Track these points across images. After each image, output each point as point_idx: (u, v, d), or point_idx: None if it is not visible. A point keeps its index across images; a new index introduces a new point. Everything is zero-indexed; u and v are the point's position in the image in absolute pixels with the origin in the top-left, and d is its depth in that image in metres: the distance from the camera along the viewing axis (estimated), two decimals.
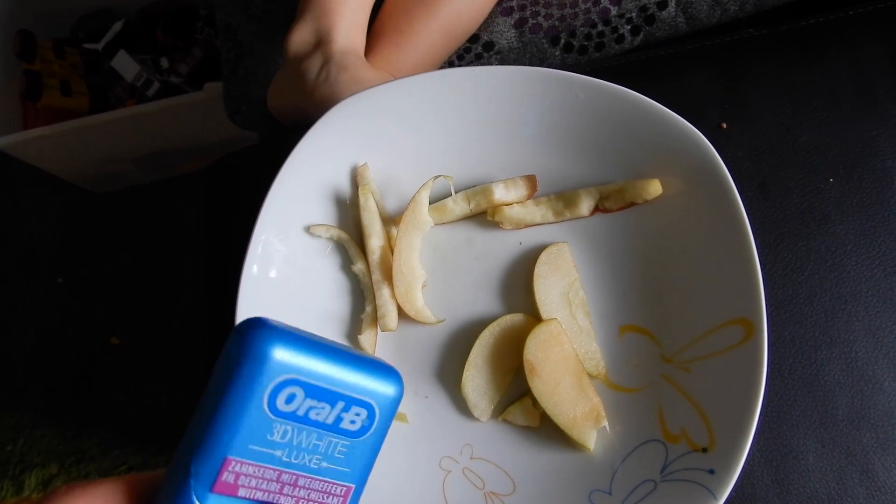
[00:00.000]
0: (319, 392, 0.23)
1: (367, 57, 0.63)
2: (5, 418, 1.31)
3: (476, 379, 0.49)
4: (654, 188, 0.49)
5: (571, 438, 0.46)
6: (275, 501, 0.23)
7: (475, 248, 0.52)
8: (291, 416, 0.23)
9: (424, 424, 0.49)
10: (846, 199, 0.56)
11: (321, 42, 0.60)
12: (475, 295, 0.51)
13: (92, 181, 1.35)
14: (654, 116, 0.48)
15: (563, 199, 0.51)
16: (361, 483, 0.25)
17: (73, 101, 1.22)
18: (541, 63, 0.70)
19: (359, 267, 0.51)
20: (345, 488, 0.24)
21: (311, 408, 0.23)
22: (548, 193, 0.51)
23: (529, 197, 0.51)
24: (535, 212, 0.51)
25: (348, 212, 0.52)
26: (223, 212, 0.67)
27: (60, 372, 1.33)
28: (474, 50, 0.70)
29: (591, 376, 0.48)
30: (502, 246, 0.52)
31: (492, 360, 0.49)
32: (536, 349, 0.47)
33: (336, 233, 0.51)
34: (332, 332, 0.51)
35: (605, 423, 0.47)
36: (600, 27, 0.68)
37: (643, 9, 0.67)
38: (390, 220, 0.52)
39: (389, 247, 0.51)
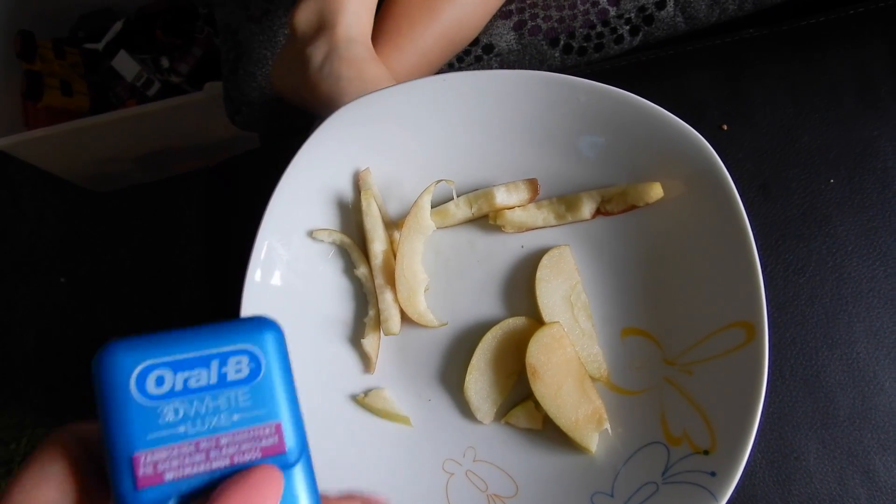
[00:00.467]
0: (185, 363, 0.25)
1: None
2: (8, 417, 1.31)
3: (479, 382, 0.49)
4: (656, 191, 0.49)
5: (574, 441, 0.47)
6: (209, 469, 0.24)
7: (477, 251, 0.52)
8: (171, 394, 0.24)
9: (427, 427, 0.50)
10: (847, 199, 0.56)
11: (327, 25, 0.57)
12: (477, 298, 0.51)
13: (92, 181, 1.35)
14: (656, 120, 0.48)
15: (565, 202, 0.51)
16: (290, 415, 0.26)
17: (74, 101, 1.22)
18: (540, 64, 0.70)
19: (361, 271, 0.51)
20: (271, 426, 0.25)
21: (186, 379, 0.25)
22: (549, 197, 0.51)
23: (531, 200, 0.51)
24: (537, 215, 0.51)
25: (351, 216, 0.52)
26: (224, 213, 0.67)
27: (61, 372, 1.33)
28: (474, 52, 0.69)
29: (593, 379, 0.48)
30: (504, 249, 0.52)
31: (494, 363, 0.49)
32: (539, 352, 0.47)
33: (339, 237, 0.51)
34: (335, 335, 0.51)
35: (608, 425, 0.47)
36: (599, 28, 0.68)
37: (642, 9, 0.67)
38: (393, 225, 0.52)
39: (392, 251, 0.51)
